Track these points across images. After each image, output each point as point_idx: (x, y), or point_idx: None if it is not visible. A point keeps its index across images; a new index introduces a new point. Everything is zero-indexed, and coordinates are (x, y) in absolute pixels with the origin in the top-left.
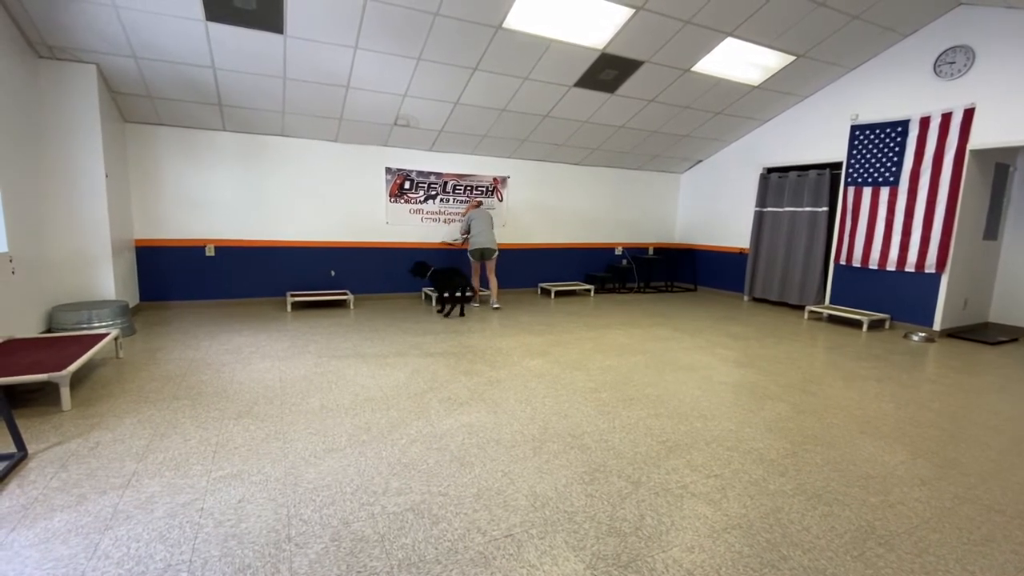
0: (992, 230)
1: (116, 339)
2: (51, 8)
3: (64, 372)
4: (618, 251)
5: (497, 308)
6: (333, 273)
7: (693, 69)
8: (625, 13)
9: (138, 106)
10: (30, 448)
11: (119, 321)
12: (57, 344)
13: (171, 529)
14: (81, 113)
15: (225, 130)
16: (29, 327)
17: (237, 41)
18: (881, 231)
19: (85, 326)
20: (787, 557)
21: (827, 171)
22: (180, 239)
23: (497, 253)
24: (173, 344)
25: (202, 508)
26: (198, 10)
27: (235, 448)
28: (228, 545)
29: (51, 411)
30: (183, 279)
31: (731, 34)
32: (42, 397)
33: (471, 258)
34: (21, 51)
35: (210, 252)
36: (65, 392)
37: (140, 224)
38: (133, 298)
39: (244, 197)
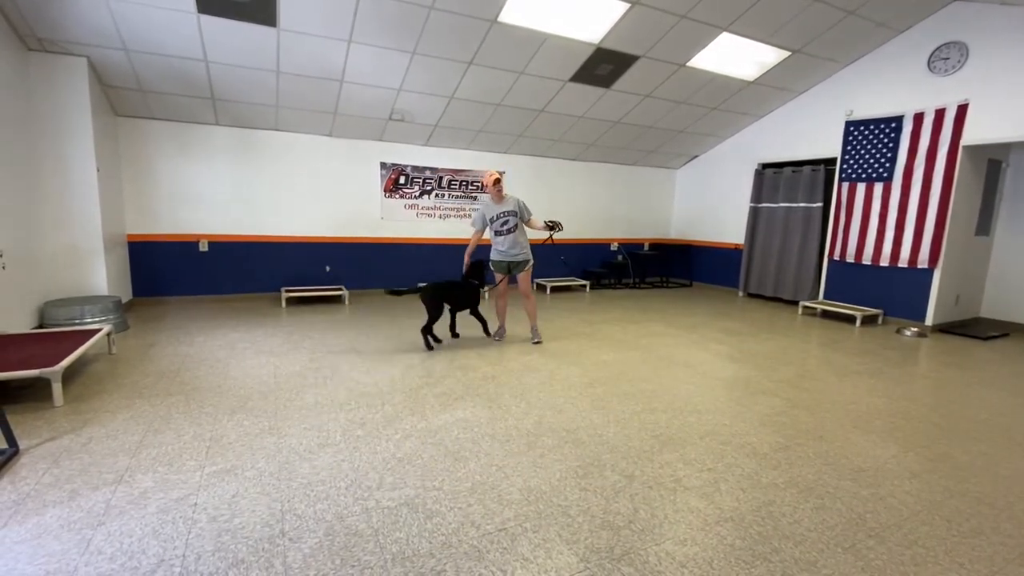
0: (984, 226)
1: (109, 335)
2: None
3: (56, 368)
4: (614, 247)
5: (538, 343)
6: (328, 269)
7: (689, 64)
8: (621, 7)
9: (130, 100)
10: (22, 444)
11: (112, 317)
12: (49, 340)
13: (164, 524)
14: (72, 106)
15: (218, 124)
16: (20, 323)
17: (229, 34)
18: (875, 227)
19: (77, 322)
20: (778, 549)
21: (822, 167)
22: (173, 234)
23: (529, 263)
24: (167, 340)
25: (195, 503)
26: (190, 3)
27: (229, 443)
28: (222, 540)
29: (43, 407)
30: (177, 274)
31: (727, 29)
32: (34, 393)
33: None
34: (10, 44)
35: (204, 247)
36: (57, 388)
37: (132, 219)
38: (126, 294)
39: (238, 192)
